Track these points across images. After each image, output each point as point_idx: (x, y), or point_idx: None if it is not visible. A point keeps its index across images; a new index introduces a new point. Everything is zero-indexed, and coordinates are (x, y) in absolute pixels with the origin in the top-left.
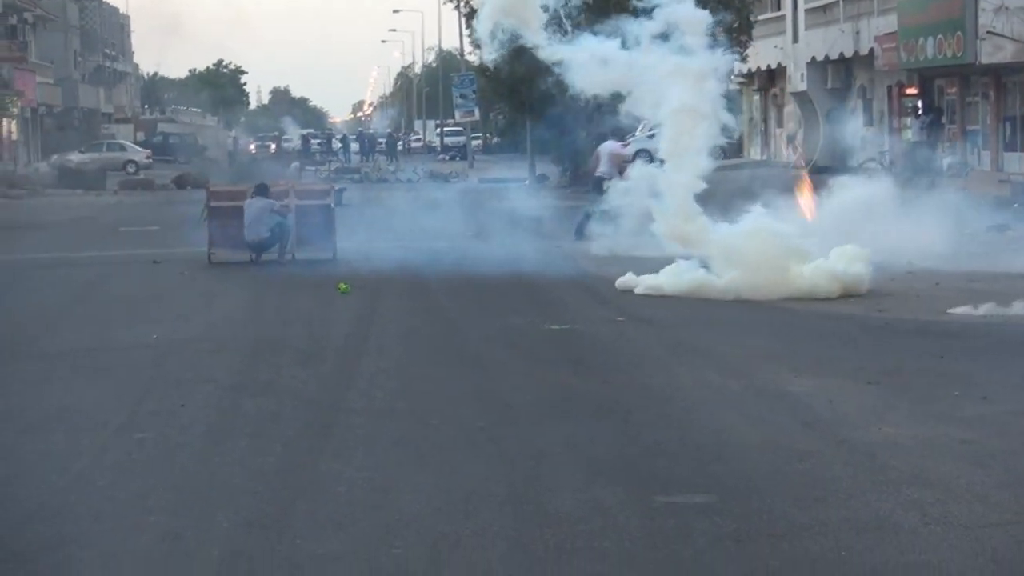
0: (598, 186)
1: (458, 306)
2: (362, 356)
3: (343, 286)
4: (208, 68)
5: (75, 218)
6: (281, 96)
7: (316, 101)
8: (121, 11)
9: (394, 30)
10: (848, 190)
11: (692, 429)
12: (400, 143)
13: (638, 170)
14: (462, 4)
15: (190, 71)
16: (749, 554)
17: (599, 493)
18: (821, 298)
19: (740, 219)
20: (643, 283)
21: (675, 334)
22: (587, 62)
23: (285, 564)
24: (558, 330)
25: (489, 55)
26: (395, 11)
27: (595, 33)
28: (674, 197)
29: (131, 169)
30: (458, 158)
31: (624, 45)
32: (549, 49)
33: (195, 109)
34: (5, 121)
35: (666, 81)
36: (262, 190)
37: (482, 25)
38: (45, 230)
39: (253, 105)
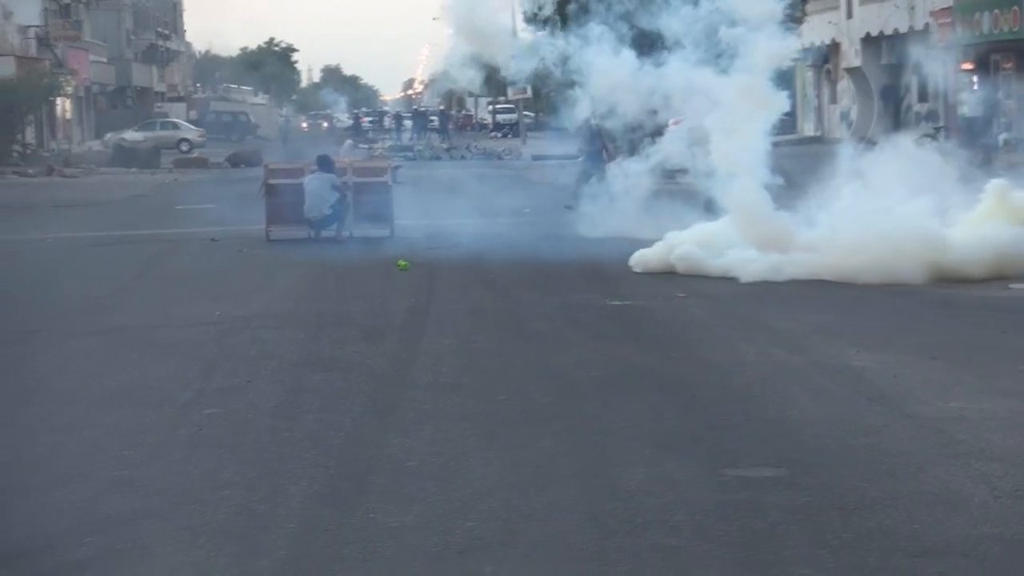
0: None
1: (517, 282)
2: (425, 332)
3: (402, 263)
4: (259, 46)
5: (131, 196)
6: (332, 74)
7: (367, 79)
8: None
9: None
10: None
11: (758, 404)
12: (452, 121)
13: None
14: None
15: (242, 49)
16: (821, 527)
17: (668, 467)
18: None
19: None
20: (731, 269)
21: (736, 310)
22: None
23: (359, 538)
24: (619, 306)
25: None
26: None
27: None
28: (745, 197)
29: (184, 148)
30: (510, 135)
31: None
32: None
33: (247, 87)
34: (59, 100)
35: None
36: (325, 163)
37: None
38: (102, 208)
39: (304, 83)
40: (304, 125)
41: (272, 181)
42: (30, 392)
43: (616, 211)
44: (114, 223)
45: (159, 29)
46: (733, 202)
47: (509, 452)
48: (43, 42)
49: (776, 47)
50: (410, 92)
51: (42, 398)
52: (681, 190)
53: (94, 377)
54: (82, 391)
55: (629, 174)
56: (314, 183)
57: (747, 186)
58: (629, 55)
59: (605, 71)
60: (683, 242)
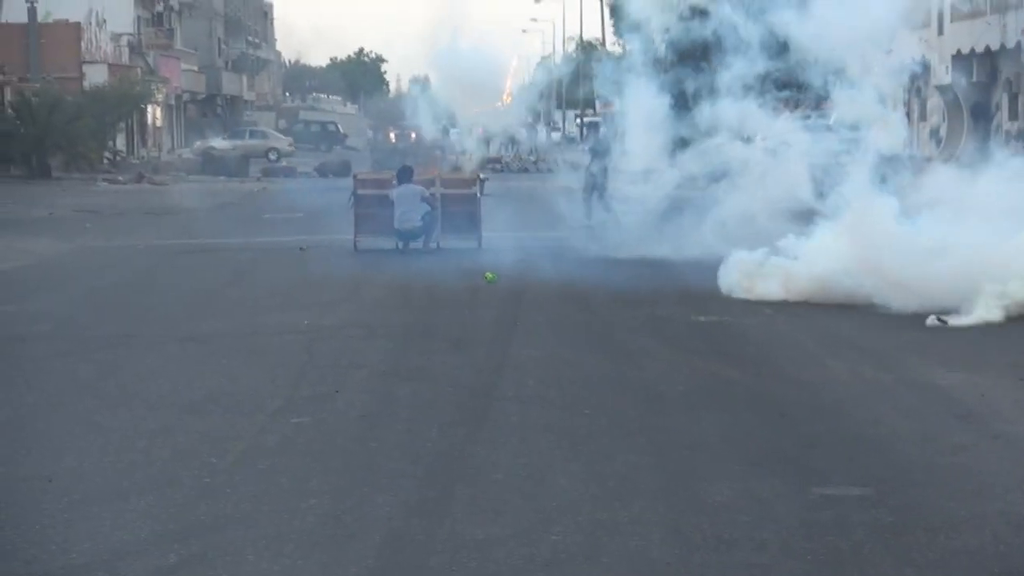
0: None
1: (603, 295)
2: (511, 344)
3: (490, 275)
4: (349, 56)
5: (220, 204)
6: (422, 84)
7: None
8: None
9: (535, 19)
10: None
11: (846, 421)
12: (540, 133)
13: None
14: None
15: (331, 59)
16: (907, 546)
17: (755, 484)
18: None
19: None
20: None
21: (824, 326)
22: None
23: (446, 548)
24: (705, 321)
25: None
26: (536, 0)
27: None
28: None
29: (273, 156)
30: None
31: None
32: None
33: (336, 97)
34: (150, 108)
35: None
36: (406, 174)
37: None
38: (191, 216)
39: (393, 94)
40: (392, 136)
41: (361, 191)
42: (124, 397)
43: (663, 226)
44: (204, 231)
45: (250, 38)
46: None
47: (594, 465)
48: (135, 50)
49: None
50: (498, 104)
51: (135, 403)
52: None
53: (185, 383)
54: (174, 397)
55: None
56: (403, 194)
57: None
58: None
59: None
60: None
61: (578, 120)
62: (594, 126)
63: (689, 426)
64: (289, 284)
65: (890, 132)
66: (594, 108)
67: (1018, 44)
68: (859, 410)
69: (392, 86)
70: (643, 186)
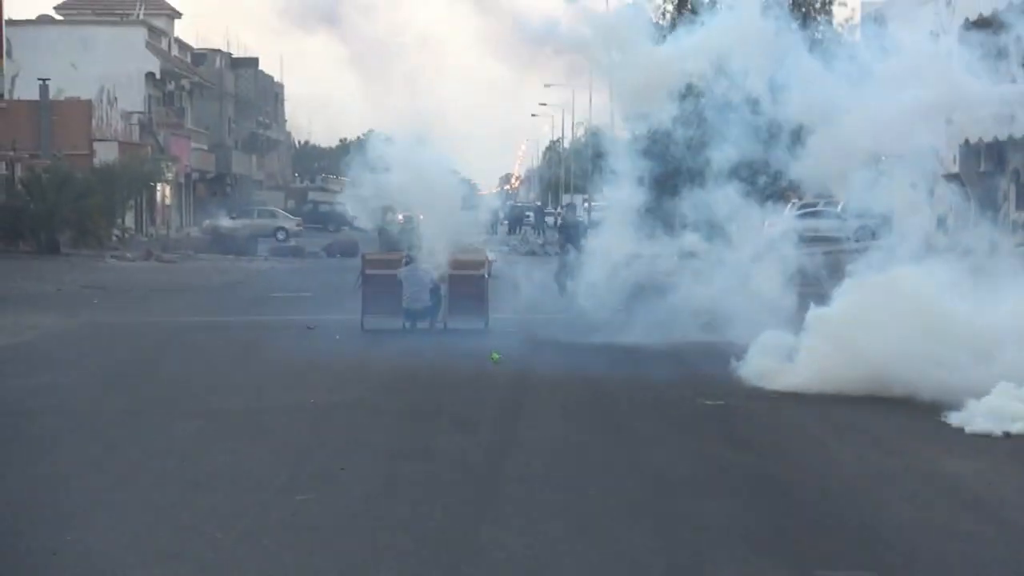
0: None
1: (611, 377)
2: (517, 424)
3: (495, 355)
4: (358, 137)
5: (228, 283)
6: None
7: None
8: (276, 79)
9: (544, 104)
10: None
11: (851, 506)
12: (549, 216)
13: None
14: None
15: (341, 140)
16: None
17: (761, 567)
18: None
19: None
20: None
21: (830, 411)
22: None
23: None
24: (711, 405)
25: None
26: (546, 85)
27: None
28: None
29: (281, 236)
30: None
31: None
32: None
33: (345, 178)
34: (160, 186)
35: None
36: (416, 257)
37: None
38: (199, 294)
39: None
40: (400, 217)
41: (370, 271)
42: (130, 472)
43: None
44: (212, 308)
45: (260, 119)
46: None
47: (600, 547)
48: (146, 128)
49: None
50: (507, 187)
51: (141, 479)
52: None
53: (191, 460)
54: (180, 473)
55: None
56: (414, 275)
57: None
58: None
59: None
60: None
61: (586, 204)
62: (569, 207)
63: (695, 509)
64: (297, 362)
65: (918, 215)
66: (601, 192)
67: None
68: (865, 495)
69: None
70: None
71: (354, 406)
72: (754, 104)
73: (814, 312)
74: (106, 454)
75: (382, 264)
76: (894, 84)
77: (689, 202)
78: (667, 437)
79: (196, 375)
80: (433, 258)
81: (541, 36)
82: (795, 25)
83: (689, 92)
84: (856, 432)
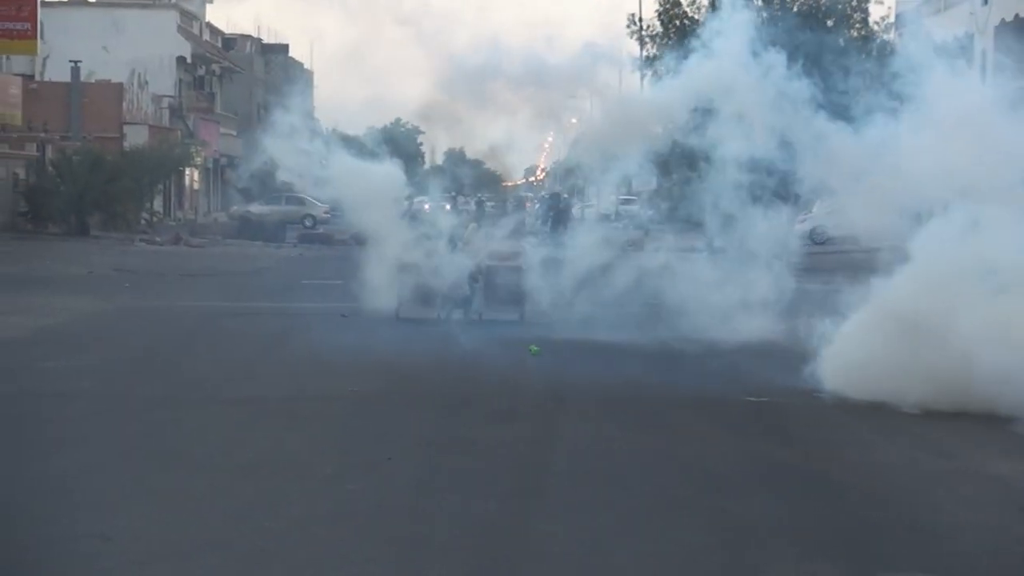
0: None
1: (651, 372)
2: (559, 418)
3: (534, 348)
4: (385, 126)
5: (257, 269)
6: (456, 157)
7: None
8: (305, 66)
9: (573, 97)
10: None
11: (905, 507)
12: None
13: None
14: (648, 72)
15: (368, 127)
16: None
17: (816, 568)
18: None
19: None
20: None
21: (877, 410)
22: None
23: None
24: (756, 402)
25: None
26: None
27: None
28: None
29: (309, 223)
30: (631, 227)
31: None
32: None
33: None
34: (188, 170)
35: None
36: (454, 246)
37: None
38: (229, 279)
39: (428, 164)
40: (427, 206)
41: (407, 260)
42: (172, 458)
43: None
44: (243, 294)
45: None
46: None
47: (654, 543)
48: (176, 113)
49: None
50: (532, 179)
51: (183, 465)
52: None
53: (232, 446)
54: (223, 459)
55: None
56: (452, 264)
57: None
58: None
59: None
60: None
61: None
62: (553, 195)
63: (746, 507)
64: (331, 350)
65: None
66: (630, 187)
67: None
68: (918, 497)
69: (427, 157)
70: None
71: (394, 395)
72: (755, 163)
73: (885, 309)
74: (147, 440)
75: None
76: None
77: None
78: (712, 434)
79: (230, 361)
80: (469, 248)
81: (520, 77)
82: (801, 70)
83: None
84: (903, 432)
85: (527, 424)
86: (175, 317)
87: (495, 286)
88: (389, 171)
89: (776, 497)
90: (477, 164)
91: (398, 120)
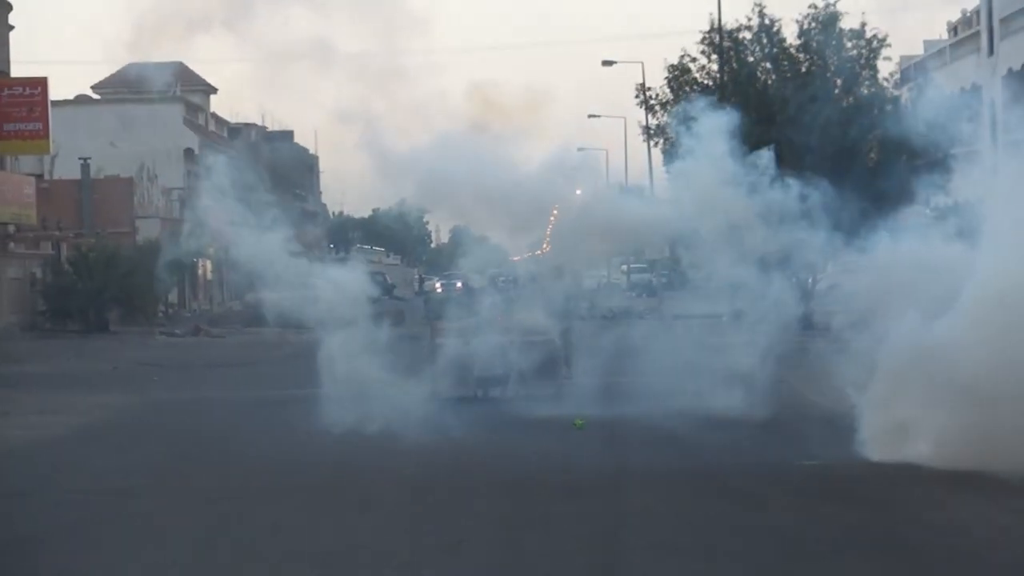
0: None
1: (701, 440)
2: (624, 491)
3: (579, 422)
4: (390, 207)
5: (284, 356)
6: (462, 234)
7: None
8: (310, 151)
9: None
10: None
11: (988, 567)
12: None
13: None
14: (654, 143)
15: (374, 210)
16: None
17: None
18: None
19: None
20: None
21: (936, 468)
22: None
23: None
24: (811, 465)
25: None
26: (580, 149)
27: None
28: None
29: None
30: (644, 295)
31: None
32: None
33: (378, 248)
34: (201, 260)
35: None
36: (488, 324)
37: None
38: (257, 367)
39: (434, 243)
40: (438, 286)
41: (440, 340)
42: (251, 551)
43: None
44: (274, 382)
45: (296, 191)
46: None
47: None
48: (186, 204)
49: None
50: (538, 252)
51: (266, 556)
52: None
53: (307, 534)
54: (301, 548)
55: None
56: (486, 343)
57: None
58: None
59: None
60: None
61: (623, 267)
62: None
63: (831, 572)
64: (375, 432)
65: None
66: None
67: None
68: (1000, 555)
69: (434, 236)
70: None
71: (451, 476)
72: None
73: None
74: (217, 535)
75: (453, 332)
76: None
77: None
78: (778, 498)
79: (279, 449)
80: (504, 323)
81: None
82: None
83: None
84: (961, 484)
85: (595, 499)
86: (213, 409)
87: (531, 360)
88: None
89: (863, 562)
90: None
91: (403, 200)
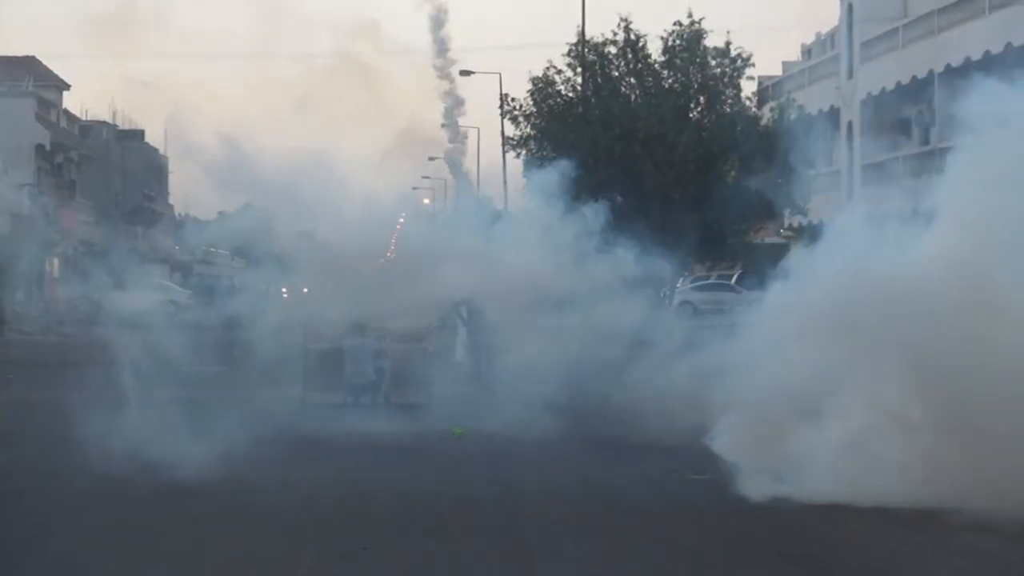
0: None
1: (585, 451)
2: (520, 501)
3: (458, 430)
4: (236, 210)
5: (135, 356)
6: (306, 239)
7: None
8: (160, 152)
9: (427, 177)
10: None
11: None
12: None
13: None
14: (516, 154)
15: (220, 212)
16: None
17: None
18: None
19: None
20: None
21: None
22: None
23: None
24: (700, 480)
25: None
26: (431, 158)
27: None
28: None
29: (171, 310)
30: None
31: None
32: None
33: (223, 251)
34: (49, 259)
35: None
36: (359, 329)
37: None
38: (113, 368)
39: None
40: (284, 291)
41: (311, 345)
42: (146, 555)
43: None
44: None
45: (145, 191)
46: None
47: None
48: (37, 201)
49: None
50: (384, 261)
51: (159, 562)
52: None
53: (204, 539)
54: (201, 554)
55: None
56: (358, 348)
57: None
58: None
59: None
60: None
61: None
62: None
63: None
64: (249, 437)
65: None
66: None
67: None
68: (905, 568)
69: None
70: None
71: (337, 484)
72: None
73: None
74: (110, 534)
75: (324, 338)
76: None
77: None
78: (673, 513)
79: (154, 448)
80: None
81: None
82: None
83: None
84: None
85: (488, 507)
86: (76, 409)
87: (400, 369)
88: None
89: (761, 569)
90: (326, 246)
91: (248, 204)
